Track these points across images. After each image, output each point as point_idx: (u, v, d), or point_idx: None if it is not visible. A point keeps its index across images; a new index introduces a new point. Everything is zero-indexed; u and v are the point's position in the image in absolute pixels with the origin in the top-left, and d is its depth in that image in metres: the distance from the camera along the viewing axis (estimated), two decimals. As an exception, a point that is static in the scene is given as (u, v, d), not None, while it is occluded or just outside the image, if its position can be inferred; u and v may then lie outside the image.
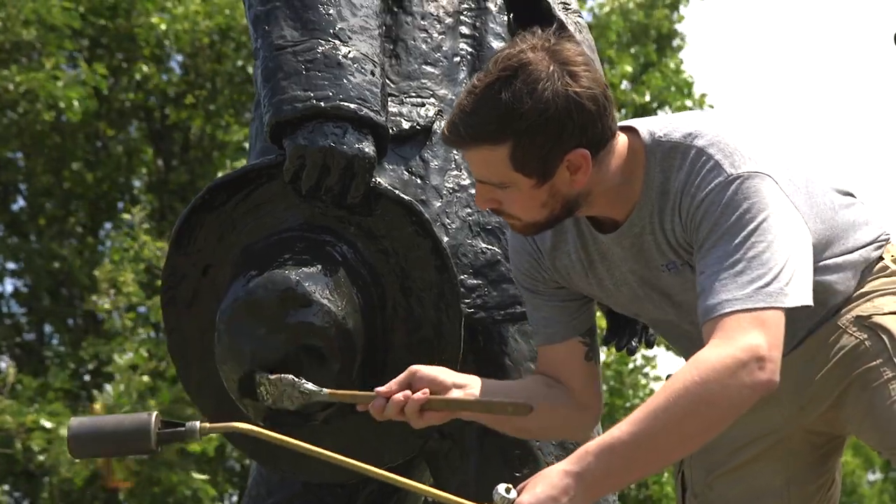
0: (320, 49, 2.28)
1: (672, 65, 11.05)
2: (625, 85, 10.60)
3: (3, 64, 9.33)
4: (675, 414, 1.83)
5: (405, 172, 2.39)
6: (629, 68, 10.29)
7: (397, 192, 2.30)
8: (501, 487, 1.85)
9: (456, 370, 2.29)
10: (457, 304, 2.29)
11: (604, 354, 9.24)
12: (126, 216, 9.12)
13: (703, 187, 1.94)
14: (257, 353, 2.19)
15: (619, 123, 2.03)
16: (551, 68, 1.92)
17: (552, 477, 1.85)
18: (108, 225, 10.95)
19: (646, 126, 2.03)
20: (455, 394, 2.06)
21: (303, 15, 2.30)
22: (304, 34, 2.29)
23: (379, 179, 2.30)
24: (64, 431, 8.02)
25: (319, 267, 2.24)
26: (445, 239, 2.35)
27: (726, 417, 1.87)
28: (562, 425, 2.17)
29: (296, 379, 2.12)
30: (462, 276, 2.35)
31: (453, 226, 2.38)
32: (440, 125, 2.41)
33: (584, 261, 2.10)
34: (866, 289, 2.10)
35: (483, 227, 2.39)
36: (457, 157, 2.42)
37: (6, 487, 9.99)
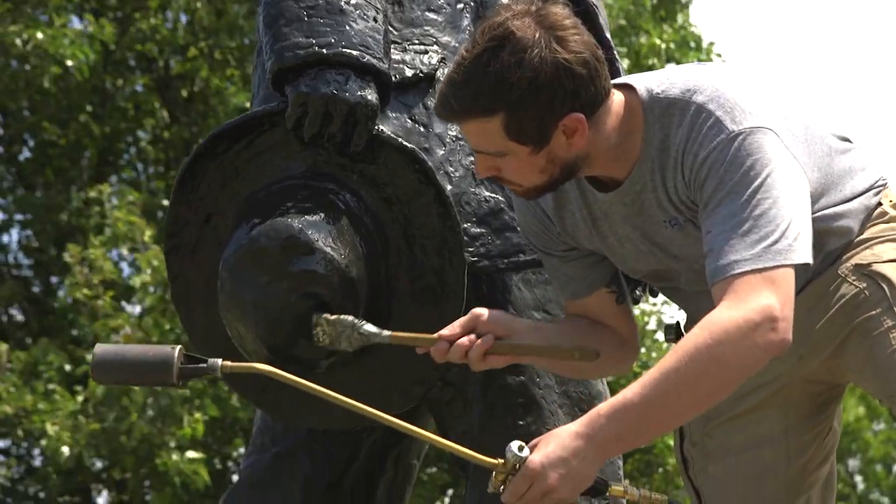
0: None
1: (680, 20, 10.96)
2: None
3: (10, 18, 9.31)
4: (686, 375, 1.83)
5: (408, 120, 2.38)
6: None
7: (400, 139, 2.29)
8: (514, 445, 1.86)
9: (459, 318, 2.29)
10: (460, 252, 2.29)
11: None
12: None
13: (705, 145, 1.93)
14: (260, 300, 2.19)
15: (615, 81, 2.02)
16: (538, 35, 1.90)
17: (563, 438, 1.86)
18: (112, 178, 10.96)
19: (642, 82, 2.01)
20: (518, 338, 2.06)
21: None
22: None
23: (382, 127, 2.29)
24: (60, 415, 8.03)
25: (322, 215, 2.23)
26: (448, 187, 2.34)
27: (738, 378, 1.87)
28: (608, 362, 2.17)
29: (356, 321, 2.12)
30: (465, 225, 2.34)
31: (456, 174, 2.37)
32: (443, 72, 2.40)
33: (587, 218, 2.10)
34: (865, 235, 2.09)
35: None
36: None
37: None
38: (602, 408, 1.86)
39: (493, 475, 1.89)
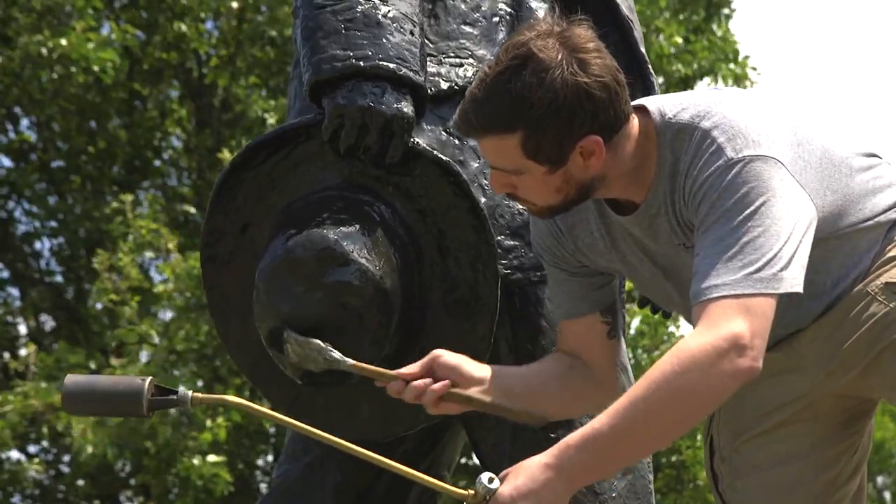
0: (360, 8, 2.28)
1: (720, 32, 10.94)
2: (672, 50, 10.50)
3: (36, 28, 9.38)
4: (655, 404, 1.83)
5: (443, 133, 2.40)
6: (679, 39, 10.19)
7: (435, 152, 2.31)
8: (485, 476, 1.87)
9: (492, 330, 2.30)
10: (493, 264, 2.30)
11: (637, 321, 9.22)
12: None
13: (703, 170, 1.93)
14: (295, 311, 2.20)
15: (633, 103, 2.02)
16: (561, 56, 1.91)
17: (533, 469, 1.86)
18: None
19: (656, 106, 2.02)
20: (475, 388, 2.06)
21: None
22: None
23: (417, 139, 2.30)
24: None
25: (357, 226, 2.25)
26: (483, 199, 2.36)
27: (707, 405, 1.87)
28: (584, 406, 2.19)
29: (322, 345, 2.14)
30: (499, 237, 2.35)
31: (491, 187, 2.38)
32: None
33: (605, 238, 2.11)
34: (893, 253, 2.08)
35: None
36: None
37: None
38: (571, 438, 1.86)
39: None
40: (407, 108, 2.26)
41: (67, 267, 10.81)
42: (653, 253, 2.07)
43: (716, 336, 1.83)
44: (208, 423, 8.03)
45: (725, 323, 1.84)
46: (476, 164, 2.39)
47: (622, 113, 1.96)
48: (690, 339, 1.85)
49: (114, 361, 8.51)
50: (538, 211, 2.04)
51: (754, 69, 10.42)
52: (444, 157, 2.30)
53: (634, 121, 2.01)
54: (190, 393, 1.97)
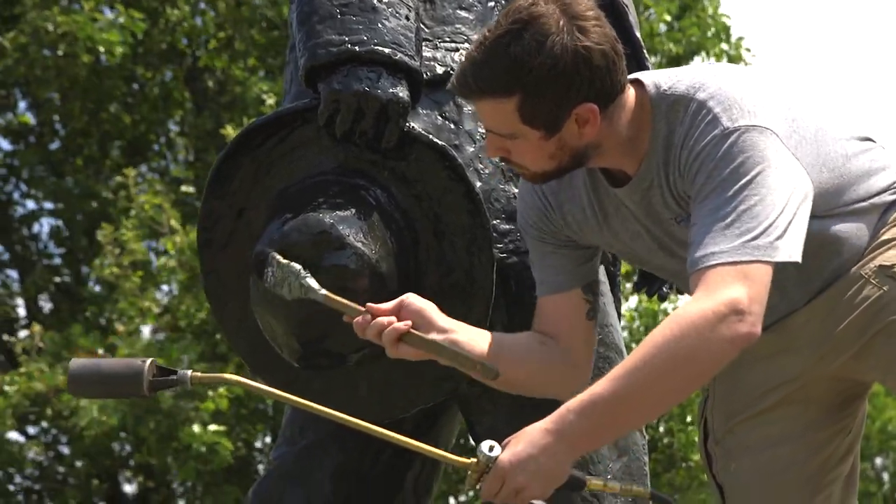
0: None
1: (710, 9, 10.91)
2: (662, 28, 10.48)
3: (45, 5, 9.38)
4: (654, 369, 1.84)
5: (439, 117, 2.40)
6: (668, 17, 10.17)
7: (431, 136, 2.31)
8: (485, 445, 1.89)
9: (488, 314, 2.31)
10: (489, 248, 2.31)
11: (633, 302, 9.23)
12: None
13: (699, 140, 1.95)
14: (291, 295, 2.21)
15: (629, 76, 2.03)
16: (561, 22, 1.92)
17: (533, 435, 1.88)
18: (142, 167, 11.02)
19: (651, 79, 2.03)
20: (436, 336, 2.06)
21: None
22: None
23: (413, 124, 2.31)
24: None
25: (353, 210, 2.26)
26: (478, 184, 2.36)
27: (706, 371, 1.88)
28: (550, 382, 2.18)
29: (302, 270, 2.12)
30: (494, 221, 2.36)
31: (486, 171, 2.39)
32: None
33: (598, 213, 2.12)
34: (886, 236, 2.09)
35: (516, 173, 2.40)
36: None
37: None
38: (571, 404, 1.87)
39: (469, 475, 1.92)
40: (402, 92, 2.26)
41: (66, 249, 10.82)
42: (646, 224, 2.08)
43: (714, 302, 1.85)
44: (209, 392, 8.07)
45: (724, 289, 1.85)
46: (471, 149, 2.40)
47: (618, 82, 1.97)
48: (689, 306, 1.86)
49: (116, 335, 8.53)
50: (531, 176, 2.05)
51: (748, 50, 10.39)
52: (439, 142, 2.31)
53: (630, 91, 2.02)
54: (189, 372, 1.99)
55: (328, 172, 2.31)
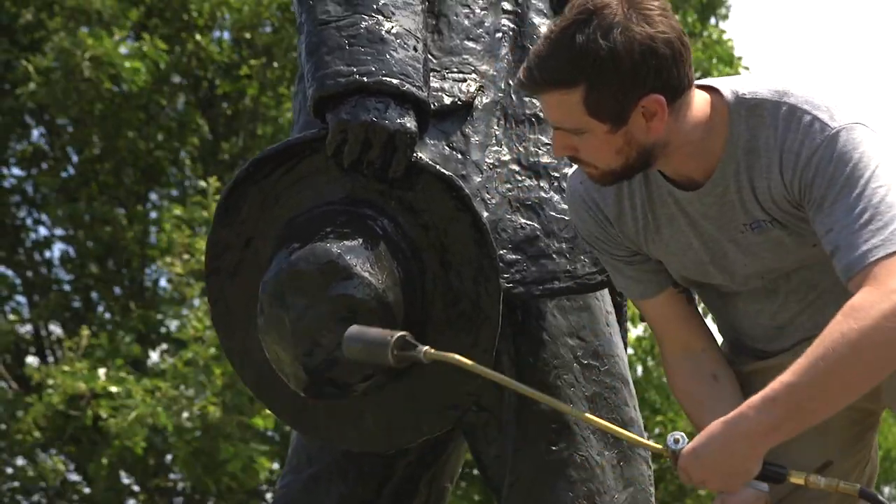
0: (363, 24, 2.30)
1: (714, 35, 10.94)
2: None
3: (69, 29, 9.47)
4: (834, 363, 1.84)
5: (446, 147, 2.41)
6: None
7: (438, 166, 2.32)
8: (671, 437, 1.93)
9: (494, 344, 2.31)
10: (495, 278, 2.31)
11: (640, 330, 9.25)
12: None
13: (807, 144, 1.95)
14: (298, 324, 2.22)
15: (700, 82, 2.03)
16: (626, 12, 1.92)
17: (712, 430, 1.89)
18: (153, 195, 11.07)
19: (727, 85, 2.03)
20: None
21: None
22: (348, 9, 2.31)
23: (420, 154, 2.32)
24: (128, 398, 8.21)
25: (361, 240, 2.26)
26: (485, 214, 2.37)
27: (889, 361, 1.87)
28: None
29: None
30: (501, 251, 2.37)
31: (493, 201, 2.40)
32: (481, 100, 2.43)
33: (651, 225, 2.11)
34: None
35: (522, 203, 2.41)
36: (497, 132, 2.44)
37: (62, 457, 10.13)
38: (752, 400, 1.88)
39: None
40: (410, 123, 2.27)
41: (76, 276, 10.85)
42: (706, 234, 2.08)
43: (888, 292, 1.85)
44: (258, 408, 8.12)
45: (893, 279, 1.85)
46: (479, 179, 2.40)
47: (685, 75, 1.96)
48: (862, 298, 1.86)
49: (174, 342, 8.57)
50: (599, 175, 2.03)
51: (746, 69, 10.43)
52: (446, 172, 2.32)
53: (701, 95, 2.01)
54: (425, 348, 2.02)
55: (336, 202, 2.31)
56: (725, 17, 11.12)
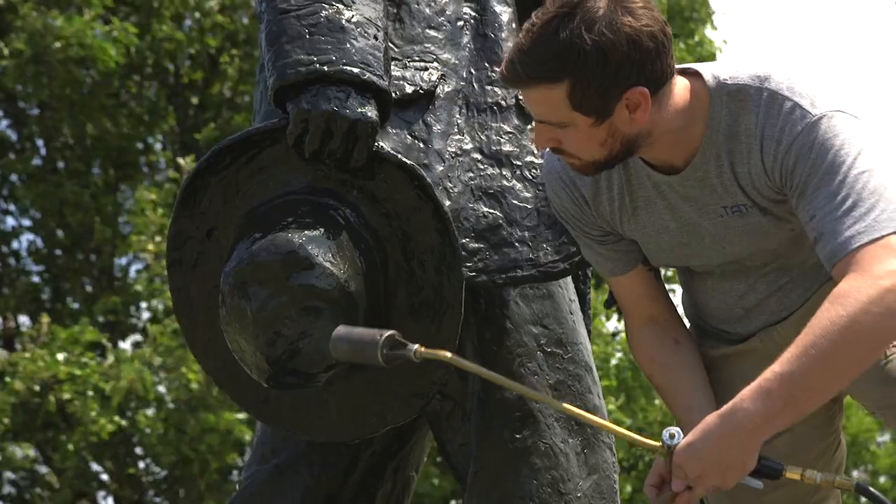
0: (324, 13, 2.29)
1: (696, 37, 10.95)
2: None
3: (41, 10, 9.41)
4: (825, 350, 1.84)
5: (408, 136, 2.40)
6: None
7: (400, 156, 2.32)
8: (666, 432, 1.91)
9: (458, 333, 2.32)
10: (458, 267, 2.31)
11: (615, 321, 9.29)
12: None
13: (787, 130, 1.95)
14: (260, 314, 2.22)
15: (681, 66, 2.03)
16: (609, 5, 1.92)
17: (707, 424, 1.89)
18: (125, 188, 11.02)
19: (709, 69, 2.03)
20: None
21: None
22: None
23: (382, 143, 2.31)
24: (91, 382, 8.22)
25: (322, 230, 2.26)
26: (447, 203, 2.37)
27: (879, 345, 1.88)
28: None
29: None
30: (464, 240, 2.37)
31: (455, 189, 2.40)
32: (443, 89, 2.42)
33: (627, 207, 2.12)
34: None
35: (485, 192, 2.41)
36: (459, 121, 2.43)
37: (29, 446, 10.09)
38: (745, 392, 1.88)
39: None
40: (371, 112, 2.27)
41: (45, 266, 10.79)
42: (682, 217, 2.08)
43: (875, 277, 1.85)
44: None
45: (878, 265, 1.86)
46: (440, 168, 2.40)
47: (668, 66, 1.96)
48: (848, 284, 1.86)
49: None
50: (582, 166, 2.03)
51: None
52: (408, 161, 2.31)
53: (682, 81, 2.01)
54: (415, 347, 1.99)
55: (297, 192, 2.31)
56: (706, 21, 11.08)
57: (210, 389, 8.28)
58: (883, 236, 1.87)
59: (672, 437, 1.91)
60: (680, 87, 2.01)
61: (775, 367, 1.86)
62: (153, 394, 8.34)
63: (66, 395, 8.38)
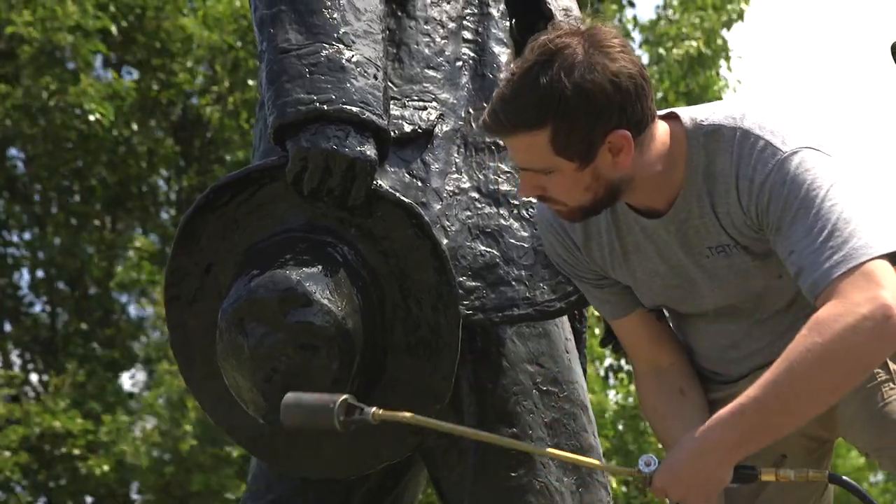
0: (324, 53, 2.31)
1: (713, 71, 10.98)
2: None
3: (39, 72, 9.44)
4: (800, 376, 1.86)
5: (406, 175, 2.42)
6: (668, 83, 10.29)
7: (398, 194, 2.33)
8: (641, 460, 1.95)
9: (454, 371, 2.32)
10: (455, 305, 2.32)
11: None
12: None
13: (759, 168, 1.97)
14: (257, 351, 2.22)
15: (661, 111, 2.06)
16: (588, 51, 1.94)
17: (683, 447, 1.92)
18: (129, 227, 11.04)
19: (687, 112, 2.06)
20: None
21: (307, 19, 2.34)
22: (309, 38, 2.33)
23: (380, 182, 2.33)
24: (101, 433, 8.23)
25: (320, 267, 2.27)
26: (445, 241, 2.38)
27: (857, 371, 1.90)
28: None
29: None
30: (460, 278, 2.38)
31: (453, 228, 2.41)
32: (441, 128, 2.44)
33: (617, 252, 2.13)
34: None
35: (482, 230, 2.42)
36: (457, 160, 2.45)
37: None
38: (721, 414, 1.90)
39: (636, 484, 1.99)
40: (370, 151, 2.28)
41: (48, 301, 10.80)
42: (674, 259, 2.10)
43: (852, 304, 1.86)
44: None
45: (857, 293, 1.87)
46: (438, 206, 2.42)
47: (649, 108, 1.99)
48: (826, 311, 1.88)
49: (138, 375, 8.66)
50: (568, 213, 2.05)
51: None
52: (406, 200, 2.33)
53: (662, 126, 2.04)
54: (372, 410, 1.98)
55: (295, 229, 2.32)
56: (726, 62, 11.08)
57: (204, 451, 8.29)
58: (861, 263, 1.89)
59: (648, 464, 1.94)
60: (660, 131, 2.03)
61: (750, 391, 1.88)
62: (145, 462, 8.36)
63: (77, 451, 8.43)
